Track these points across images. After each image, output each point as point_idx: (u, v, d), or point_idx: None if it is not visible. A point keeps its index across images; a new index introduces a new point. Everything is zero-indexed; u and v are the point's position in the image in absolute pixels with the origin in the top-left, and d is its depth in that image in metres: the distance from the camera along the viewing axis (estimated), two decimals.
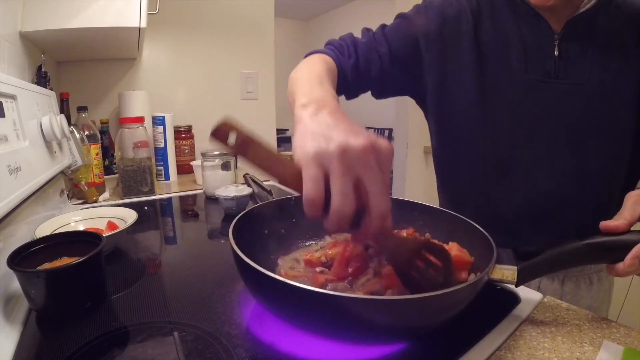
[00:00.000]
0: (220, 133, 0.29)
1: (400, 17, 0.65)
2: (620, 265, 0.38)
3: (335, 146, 0.26)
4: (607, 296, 0.68)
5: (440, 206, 0.76)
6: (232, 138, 0.29)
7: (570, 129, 0.57)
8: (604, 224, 0.40)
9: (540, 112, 0.58)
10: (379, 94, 0.68)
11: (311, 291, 0.32)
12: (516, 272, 0.41)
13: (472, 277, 0.43)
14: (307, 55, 0.61)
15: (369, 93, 0.68)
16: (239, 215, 0.48)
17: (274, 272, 0.44)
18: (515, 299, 0.48)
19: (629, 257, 0.37)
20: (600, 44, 0.55)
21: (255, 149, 0.29)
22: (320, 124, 0.30)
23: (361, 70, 0.61)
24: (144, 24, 0.88)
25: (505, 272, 0.41)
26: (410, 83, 0.65)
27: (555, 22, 0.56)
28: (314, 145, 0.27)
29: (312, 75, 0.48)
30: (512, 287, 0.52)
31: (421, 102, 0.70)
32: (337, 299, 0.32)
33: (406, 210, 0.55)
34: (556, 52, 0.56)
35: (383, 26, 0.65)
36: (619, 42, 0.55)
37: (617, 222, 0.39)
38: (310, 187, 0.27)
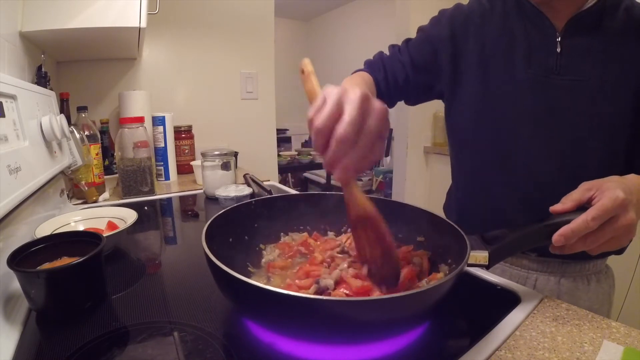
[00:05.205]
0: (301, 66, 0.44)
1: (420, 30, 0.73)
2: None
3: (340, 89, 0.37)
4: (607, 299, 0.68)
5: (447, 203, 0.78)
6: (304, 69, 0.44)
7: (571, 125, 0.58)
8: (554, 208, 0.45)
9: (541, 107, 0.59)
10: (410, 101, 0.76)
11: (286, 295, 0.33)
12: (487, 255, 0.44)
13: (445, 268, 0.48)
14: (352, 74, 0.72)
15: None
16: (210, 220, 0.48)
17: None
18: (515, 299, 0.49)
19: (555, 235, 0.42)
20: (603, 43, 0.56)
21: (310, 82, 0.43)
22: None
23: (390, 80, 0.70)
24: (144, 24, 0.89)
25: (478, 256, 0.44)
26: (433, 86, 0.72)
27: (557, 19, 0.58)
28: (330, 87, 0.39)
29: (350, 83, 0.61)
30: (512, 286, 0.52)
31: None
32: (319, 302, 0.33)
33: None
34: (558, 49, 0.57)
35: (407, 40, 0.72)
36: (623, 41, 0.55)
37: (565, 205, 0.44)
38: (315, 103, 0.37)
